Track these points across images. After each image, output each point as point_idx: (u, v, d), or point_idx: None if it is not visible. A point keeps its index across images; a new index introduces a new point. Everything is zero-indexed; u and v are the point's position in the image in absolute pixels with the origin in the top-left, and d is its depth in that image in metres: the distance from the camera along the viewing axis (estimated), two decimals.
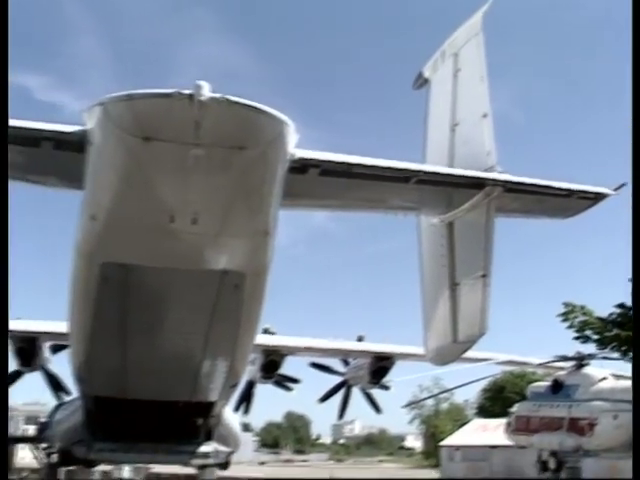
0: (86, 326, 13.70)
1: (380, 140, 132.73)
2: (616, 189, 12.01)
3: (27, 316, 22.53)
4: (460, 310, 12.79)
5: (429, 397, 78.56)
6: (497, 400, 70.34)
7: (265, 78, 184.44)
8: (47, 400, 29.54)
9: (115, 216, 10.56)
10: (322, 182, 11.22)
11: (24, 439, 34.54)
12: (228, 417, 20.51)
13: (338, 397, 27.69)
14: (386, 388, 26.18)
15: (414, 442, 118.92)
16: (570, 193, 12.07)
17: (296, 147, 10.23)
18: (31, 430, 36.14)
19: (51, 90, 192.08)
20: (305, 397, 31.70)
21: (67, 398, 23.65)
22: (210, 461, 19.10)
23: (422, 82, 14.98)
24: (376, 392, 27.30)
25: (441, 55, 14.35)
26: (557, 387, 33.06)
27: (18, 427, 38.84)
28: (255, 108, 8.99)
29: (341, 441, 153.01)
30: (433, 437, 77.45)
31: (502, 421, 39.26)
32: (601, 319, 32.37)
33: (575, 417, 31.11)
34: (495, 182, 11.60)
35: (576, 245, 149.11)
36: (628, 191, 12.20)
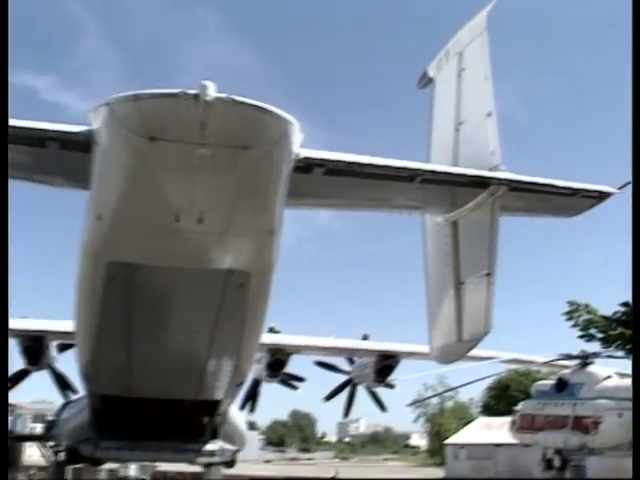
0: (92, 325, 13.75)
1: (384, 139, 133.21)
2: (620, 188, 12.01)
3: (34, 315, 22.68)
4: (465, 309, 12.82)
5: (434, 395, 78.65)
6: (502, 398, 70.33)
7: (270, 78, 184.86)
8: (54, 398, 29.58)
9: (121, 216, 10.60)
10: (327, 181, 11.23)
11: (32, 437, 34.67)
12: (234, 415, 20.59)
13: (343, 395, 27.72)
14: (391, 386, 26.18)
15: (419, 440, 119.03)
16: (574, 192, 12.07)
17: (301, 146, 10.23)
18: (38, 428, 36.29)
19: (56, 90, 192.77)
20: (310, 396, 31.78)
21: (74, 397, 23.75)
22: (216, 459, 19.20)
23: (426, 81, 15.00)
24: (381, 390, 27.33)
25: (445, 54, 14.36)
26: (562, 385, 33.07)
27: (26, 425, 38.93)
28: (260, 108, 9.00)
29: (346, 439, 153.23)
30: (438, 435, 77.49)
31: (507, 419, 39.29)
32: (605, 318, 32.26)
33: (580, 415, 31.13)
34: (499, 181, 11.59)
35: (580, 244, 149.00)
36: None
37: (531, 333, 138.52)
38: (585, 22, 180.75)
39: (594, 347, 32.69)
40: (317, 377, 29.16)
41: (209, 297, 12.74)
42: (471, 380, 38.41)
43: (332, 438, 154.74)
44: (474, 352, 13.81)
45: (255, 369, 23.11)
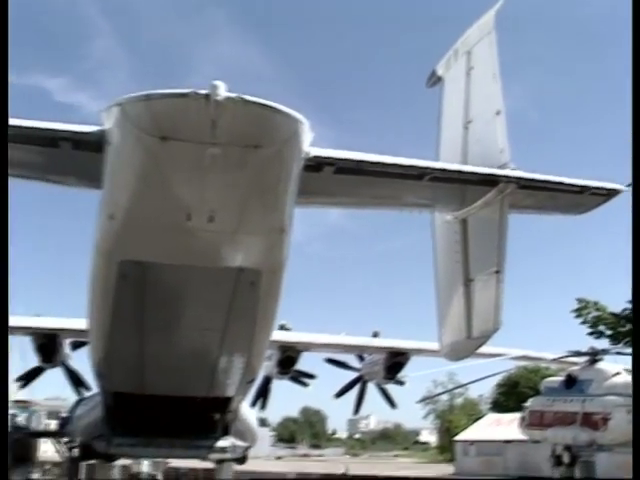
0: (105, 323, 13.87)
1: (394, 138, 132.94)
2: (628, 185, 12.03)
3: (48, 313, 22.88)
4: (474, 306, 12.86)
5: (444, 392, 78.51)
6: (511, 395, 70.19)
7: (280, 77, 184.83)
8: (68, 395, 29.76)
9: (133, 215, 10.70)
10: (337, 180, 11.30)
11: (46, 433, 34.93)
12: (245, 412, 20.68)
13: (354, 392, 27.68)
14: (401, 383, 26.17)
15: (429, 437, 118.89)
16: (583, 189, 12.10)
17: (311, 145, 10.31)
18: (53, 425, 36.51)
19: (69, 91, 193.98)
20: (321, 392, 31.82)
21: (87, 394, 23.84)
22: (227, 456, 19.30)
23: (435, 80, 15.04)
24: (391, 387, 27.30)
25: (454, 53, 14.39)
26: (571, 382, 32.98)
27: (40, 421, 39.16)
28: (270, 107, 9.07)
29: (357, 436, 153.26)
30: (448, 432, 77.31)
31: (516, 416, 39.22)
32: (614, 314, 32.16)
33: (589, 412, 31.05)
34: (508, 179, 11.64)
35: (589, 241, 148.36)
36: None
37: (540, 330, 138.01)
38: (594, 20, 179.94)
39: (603, 344, 32.65)
40: (327, 374, 29.19)
41: (220, 295, 12.82)
42: (481, 377, 38.35)
43: (342, 435, 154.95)
44: (483, 349, 13.82)
45: (266, 366, 23.15)
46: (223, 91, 8.58)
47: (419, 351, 24.27)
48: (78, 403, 24.41)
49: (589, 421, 30.87)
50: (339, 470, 50.17)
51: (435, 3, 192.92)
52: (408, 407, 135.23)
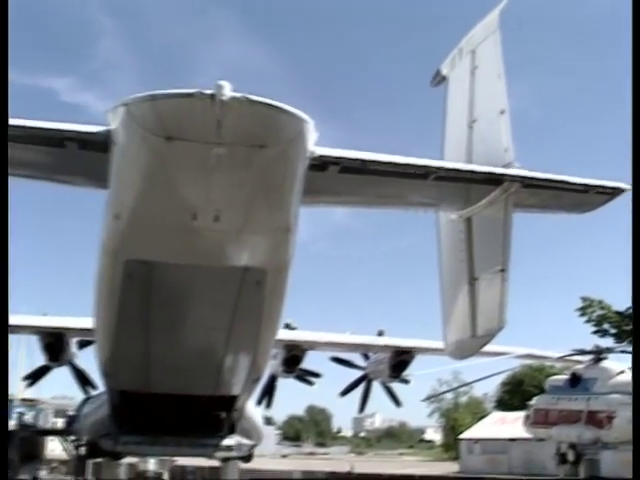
0: (111, 322, 13.91)
1: (398, 137, 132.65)
2: None
3: (54, 313, 22.99)
4: (479, 304, 12.88)
5: (448, 390, 78.50)
6: (516, 393, 70.18)
7: (285, 77, 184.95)
8: (75, 394, 29.90)
9: (139, 214, 10.75)
10: (342, 179, 11.32)
11: (53, 431, 35.09)
12: (251, 411, 20.71)
13: (359, 391, 27.70)
14: (406, 382, 26.19)
15: (434, 435, 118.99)
16: (587, 188, 12.09)
17: (316, 145, 10.34)
18: (60, 423, 36.64)
19: (76, 91, 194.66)
20: (326, 391, 31.80)
21: (94, 392, 23.96)
22: (233, 454, 19.34)
23: (440, 79, 15.03)
24: (396, 386, 27.32)
25: (459, 53, 14.38)
26: (575, 380, 32.97)
27: (48, 420, 39.38)
28: (275, 107, 9.11)
29: (362, 434, 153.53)
30: (452, 430, 77.43)
31: (521, 414, 39.16)
32: (619, 313, 32.23)
33: (593, 410, 31.03)
34: (513, 178, 11.65)
35: (594, 239, 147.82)
36: None
37: (545, 329, 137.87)
38: (597, 20, 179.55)
39: (607, 342, 32.72)
40: (333, 373, 29.24)
41: (226, 294, 12.86)
42: (485, 375, 38.25)
43: (348, 433, 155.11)
44: (488, 347, 13.86)
45: (271, 365, 23.18)
46: (228, 91, 8.62)
47: (424, 350, 24.27)
48: (85, 401, 24.55)
49: (594, 419, 30.86)
50: (344, 468, 50.25)
51: (439, 3, 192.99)
52: (413, 405, 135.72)
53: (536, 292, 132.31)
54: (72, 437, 26.70)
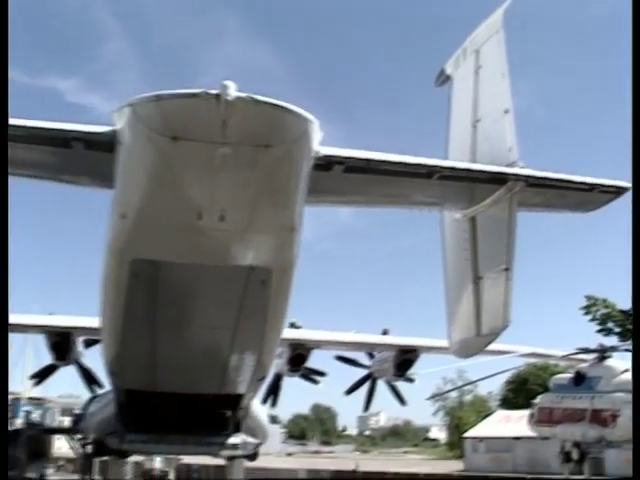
0: (117, 321, 13.94)
1: (403, 137, 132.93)
2: None
3: (61, 312, 23.12)
4: (483, 303, 12.89)
5: (453, 389, 78.63)
6: (520, 392, 70.23)
7: (289, 77, 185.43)
8: (81, 393, 30.12)
9: (144, 214, 10.77)
10: (346, 179, 11.33)
11: (60, 430, 35.32)
12: (256, 409, 20.74)
13: (363, 389, 27.75)
14: (411, 380, 26.20)
15: (438, 433, 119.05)
16: (591, 187, 12.08)
17: (321, 144, 10.35)
18: (67, 421, 36.90)
19: (81, 92, 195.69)
20: (331, 390, 31.93)
21: (100, 391, 24.09)
22: (239, 452, 19.40)
23: (444, 79, 15.04)
24: (401, 384, 27.35)
25: (463, 52, 14.38)
26: (579, 379, 33.00)
27: (54, 418, 39.71)
28: (280, 107, 9.13)
29: (367, 432, 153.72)
30: (457, 428, 77.50)
31: (525, 413, 39.25)
32: (623, 312, 32.20)
33: (597, 408, 31.06)
34: (517, 177, 11.65)
35: (598, 238, 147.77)
36: None
37: (549, 327, 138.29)
38: (601, 19, 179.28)
39: (612, 341, 32.71)
40: (338, 371, 29.32)
41: (231, 293, 12.87)
42: (490, 374, 38.33)
43: (353, 431, 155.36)
44: (493, 346, 13.82)
45: (276, 364, 23.22)
46: (233, 91, 8.64)
47: (429, 348, 24.30)
48: (91, 400, 24.69)
49: (598, 418, 30.89)
50: (349, 467, 50.32)
51: (443, 3, 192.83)
52: (418, 404, 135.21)
53: (540, 291, 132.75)
54: (79, 435, 26.88)
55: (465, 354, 14.45)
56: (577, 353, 32.48)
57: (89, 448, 23.42)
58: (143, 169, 10.17)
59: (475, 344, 13.43)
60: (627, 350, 32.03)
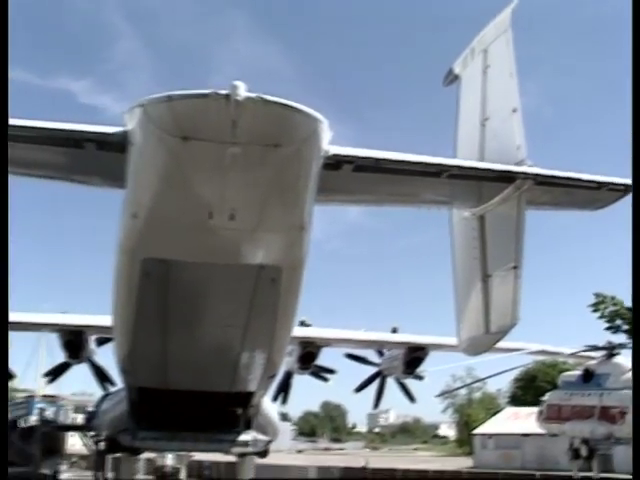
0: (129, 320, 14.08)
1: (412, 136, 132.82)
2: None
3: (74, 311, 23.31)
4: (492, 301, 12.91)
5: (462, 386, 78.63)
6: (529, 389, 70.07)
7: (299, 77, 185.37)
8: (94, 390, 30.28)
9: (155, 213, 10.85)
10: (356, 178, 11.39)
11: (73, 427, 35.57)
12: (267, 407, 20.89)
13: (373, 387, 27.79)
14: (420, 378, 26.23)
15: (447, 430, 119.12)
16: (599, 185, 12.09)
17: (330, 144, 10.40)
18: (80, 419, 37.10)
19: (93, 93, 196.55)
20: (341, 387, 31.96)
21: (112, 389, 24.27)
22: (249, 449, 19.49)
23: (452, 78, 15.07)
24: (410, 382, 27.39)
25: (471, 52, 14.40)
26: (588, 376, 32.94)
27: (68, 416, 39.89)
28: (290, 106, 9.18)
29: (376, 430, 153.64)
30: (466, 425, 77.43)
31: (534, 410, 39.19)
32: (631, 309, 31.99)
33: (606, 405, 31.01)
34: (525, 175, 11.68)
35: (607, 236, 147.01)
36: None
37: (558, 325, 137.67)
38: (609, 18, 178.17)
39: (620, 338, 32.58)
40: (347, 369, 29.37)
41: (242, 292, 12.94)
42: (499, 371, 38.36)
43: (362, 428, 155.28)
44: (501, 344, 13.90)
45: (287, 362, 23.34)
46: (243, 91, 8.70)
47: (438, 346, 24.35)
48: (104, 398, 24.85)
49: (606, 415, 30.85)
50: (359, 464, 50.40)
51: (451, 2, 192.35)
52: (427, 401, 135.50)
53: (549, 289, 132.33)
54: (91, 433, 27.14)
55: (474, 352, 14.48)
56: (585, 350, 32.44)
57: (102, 445, 23.63)
58: (154, 169, 10.25)
59: (484, 342, 13.46)
60: None
